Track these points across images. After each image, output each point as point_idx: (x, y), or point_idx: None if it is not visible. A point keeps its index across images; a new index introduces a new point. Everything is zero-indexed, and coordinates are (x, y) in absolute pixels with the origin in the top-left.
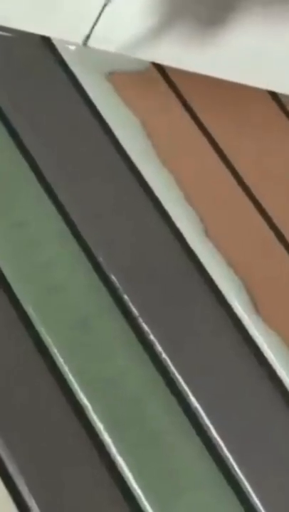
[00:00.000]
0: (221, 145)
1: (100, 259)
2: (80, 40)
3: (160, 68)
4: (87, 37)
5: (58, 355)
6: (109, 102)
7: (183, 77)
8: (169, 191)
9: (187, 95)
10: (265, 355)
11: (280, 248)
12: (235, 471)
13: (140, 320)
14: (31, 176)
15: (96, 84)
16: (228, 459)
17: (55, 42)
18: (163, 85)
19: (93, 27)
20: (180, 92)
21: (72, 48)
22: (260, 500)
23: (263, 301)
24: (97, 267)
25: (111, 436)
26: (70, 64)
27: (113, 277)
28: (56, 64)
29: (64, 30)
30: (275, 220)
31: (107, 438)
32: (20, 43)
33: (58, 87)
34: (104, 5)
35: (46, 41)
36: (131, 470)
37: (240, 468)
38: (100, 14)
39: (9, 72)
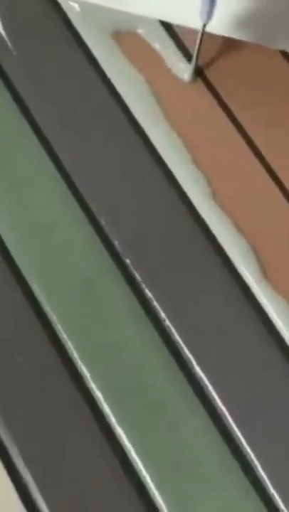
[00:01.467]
0: (232, 107)
1: (103, 222)
2: None
3: (167, 26)
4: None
5: (57, 321)
6: (113, 61)
7: (190, 34)
8: (176, 153)
9: (192, 50)
10: (274, 322)
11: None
12: (241, 443)
13: (143, 285)
14: (33, 136)
15: (101, 43)
16: (234, 431)
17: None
18: (170, 43)
19: (196, 60)
20: (187, 50)
21: (77, 6)
22: (266, 472)
23: (272, 266)
24: (99, 230)
25: (110, 406)
26: (75, 23)
27: (116, 241)
28: (60, 22)
29: None
30: (287, 185)
31: (106, 408)
32: (25, 0)
33: (62, 46)
34: (204, 26)
35: None
36: (131, 442)
37: (246, 441)
38: (200, 41)
39: (12, 29)
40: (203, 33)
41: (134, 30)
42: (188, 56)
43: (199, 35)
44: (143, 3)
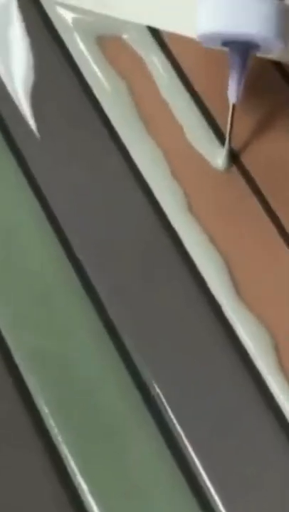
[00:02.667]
0: (214, 114)
1: (67, 231)
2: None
3: (154, 32)
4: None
5: (8, 328)
6: (95, 65)
7: (174, 40)
8: (154, 164)
9: (179, 57)
10: (242, 341)
11: (271, 229)
12: (196, 468)
13: (106, 300)
14: (4, 146)
15: (83, 47)
16: (191, 456)
17: (42, 0)
18: (153, 49)
19: (229, 135)
20: (172, 56)
21: (60, 8)
22: (219, 495)
23: (245, 283)
24: (64, 241)
25: (57, 423)
26: (57, 25)
27: (80, 253)
28: (41, 23)
29: None
30: (269, 200)
31: (52, 424)
32: (6, 1)
33: (44, 46)
34: (234, 107)
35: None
36: (76, 463)
37: (202, 467)
38: (231, 119)
39: None
40: (234, 113)
41: (119, 35)
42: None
43: (229, 118)
44: (130, 8)
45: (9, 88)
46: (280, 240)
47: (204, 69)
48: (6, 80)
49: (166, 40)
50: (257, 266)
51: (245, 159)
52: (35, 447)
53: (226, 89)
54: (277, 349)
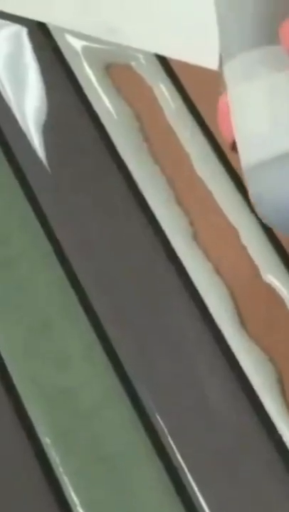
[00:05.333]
0: (220, 142)
1: (72, 260)
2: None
3: (161, 59)
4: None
5: (8, 359)
6: (103, 93)
7: (183, 69)
8: (158, 191)
9: (187, 87)
10: (246, 372)
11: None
12: (197, 500)
13: (109, 329)
14: (5, 164)
15: (91, 74)
16: (191, 486)
17: (51, 28)
18: (161, 78)
19: None
20: (180, 85)
21: (69, 35)
22: None
23: (249, 313)
24: (68, 269)
25: (59, 456)
26: (66, 52)
27: (83, 281)
28: (50, 51)
29: (62, 16)
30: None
31: (53, 454)
32: (16, 29)
33: (51, 75)
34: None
35: (42, 28)
36: (77, 494)
37: (203, 499)
38: None
39: (2, 57)
40: None
41: (127, 63)
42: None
43: None
44: (139, 36)
45: (17, 114)
46: (284, 269)
47: (212, 98)
48: (14, 107)
49: (174, 68)
50: (262, 296)
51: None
52: (36, 478)
53: None
54: (281, 381)
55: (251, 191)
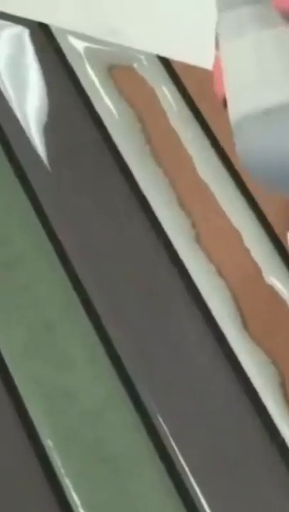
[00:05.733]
0: (222, 143)
1: (73, 261)
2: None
3: (163, 61)
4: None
5: (10, 361)
6: (104, 93)
7: (185, 70)
8: (161, 193)
9: (189, 88)
10: (247, 372)
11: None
12: (199, 502)
13: (111, 330)
14: (7, 164)
15: (93, 76)
16: (194, 489)
17: (53, 29)
18: (164, 79)
19: None
20: (182, 86)
21: (72, 37)
22: None
23: (252, 316)
24: (70, 270)
25: (60, 457)
26: (68, 54)
27: (85, 283)
28: (52, 52)
29: (65, 18)
30: (277, 231)
31: (55, 456)
32: (18, 30)
33: (53, 76)
34: None
35: (45, 29)
36: (79, 496)
37: (205, 501)
38: None
39: (4, 58)
40: None
41: (130, 65)
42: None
43: None
44: (141, 38)
45: (19, 115)
46: (287, 272)
47: (214, 99)
48: (16, 108)
49: (177, 69)
50: (264, 298)
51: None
52: (38, 480)
53: None
54: (283, 383)
55: (237, 144)
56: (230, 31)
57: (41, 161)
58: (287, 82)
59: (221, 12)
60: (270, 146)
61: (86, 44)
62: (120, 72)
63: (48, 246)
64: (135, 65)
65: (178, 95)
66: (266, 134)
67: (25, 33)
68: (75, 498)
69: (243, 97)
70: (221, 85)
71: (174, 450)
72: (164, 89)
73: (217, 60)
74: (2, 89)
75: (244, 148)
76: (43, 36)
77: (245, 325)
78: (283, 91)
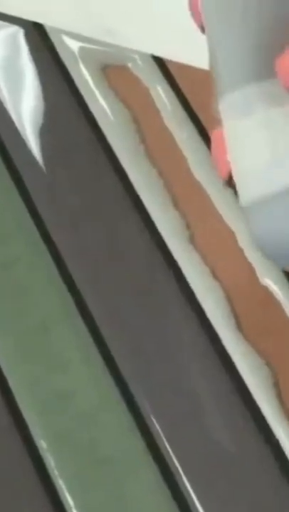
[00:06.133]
0: None
1: (68, 262)
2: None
3: (158, 60)
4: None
5: (5, 362)
6: (99, 93)
7: (180, 70)
8: (155, 193)
9: (184, 88)
10: (240, 372)
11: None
12: (193, 505)
13: (105, 331)
14: (1, 164)
15: (88, 76)
16: (188, 491)
17: (48, 29)
18: (158, 79)
19: None
20: (177, 86)
21: (66, 36)
22: None
23: (246, 317)
24: (64, 272)
25: (54, 459)
26: (62, 53)
27: (80, 284)
28: (47, 52)
29: (59, 17)
30: None
31: (49, 457)
32: (13, 29)
33: (47, 76)
34: None
35: (39, 28)
36: (73, 497)
37: (200, 504)
38: None
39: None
40: None
41: (124, 64)
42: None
43: None
44: (136, 37)
45: (13, 115)
46: (281, 273)
47: (208, 99)
48: (10, 108)
49: (171, 69)
50: (258, 300)
51: None
52: (31, 481)
53: None
54: (277, 385)
55: (251, 227)
56: (237, 110)
57: (35, 161)
58: None
59: (224, 92)
60: (285, 228)
61: (80, 44)
62: (115, 72)
63: (43, 247)
64: (130, 65)
65: (172, 95)
66: (282, 217)
67: (19, 32)
68: (68, 499)
69: (254, 180)
70: (224, 164)
71: (167, 451)
72: (159, 89)
73: (217, 138)
74: None
75: (259, 232)
76: (38, 36)
77: (239, 326)
78: None
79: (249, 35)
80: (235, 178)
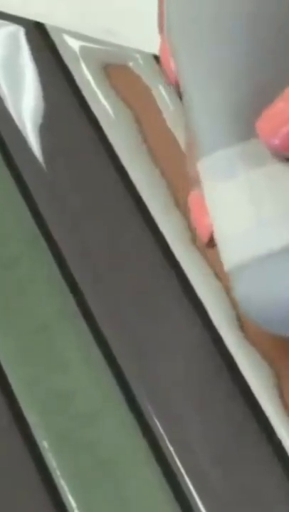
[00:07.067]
0: None
1: (70, 262)
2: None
3: (159, 59)
4: None
5: (6, 363)
6: (100, 93)
7: None
8: (157, 194)
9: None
10: (245, 376)
11: None
12: (196, 505)
13: (107, 332)
14: (2, 164)
15: (89, 75)
16: (191, 492)
17: (48, 28)
18: (160, 78)
19: None
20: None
21: (67, 36)
22: None
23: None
24: (66, 272)
25: (55, 458)
26: (63, 53)
27: (81, 284)
28: (48, 51)
29: (60, 16)
30: None
31: (51, 459)
32: (14, 29)
33: (48, 75)
34: None
35: (40, 28)
36: (75, 498)
37: (202, 503)
38: None
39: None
40: None
41: (125, 64)
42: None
43: None
44: (137, 36)
45: (14, 115)
46: None
47: None
48: (11, 107)
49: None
50: None
51: None
52: (33, 482)
53: None
54: (279, 385)
55: (235, 291)
56: (219, 172)
57: (37, 161)
58: (284, 225)
59: (205, 153)
60: (270, 292)
61: (82, 43)
62: (116, 71)
63: (44, 247)
64: (131, 64)
65: (174, 94)
66: (266, 281)
67: (20, 31)
68: (70, 499)
69: (237, 243)
70: (205, 227)
71: (170, 452)
72: (160, 88)
73: (195, 200)
74: None
75: (243, 295)
76: (39, 35)
77: (242, 326)
78: (281, 235)
79: (230, 97)
80: (217, 242)
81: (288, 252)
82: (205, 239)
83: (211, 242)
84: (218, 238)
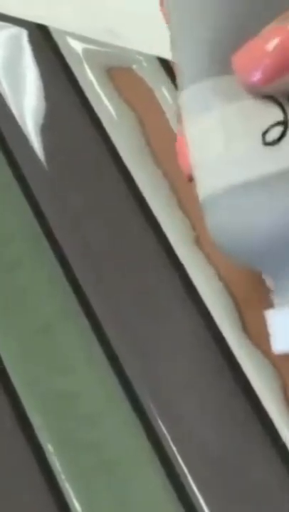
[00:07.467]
0: None
1: (72, 264)
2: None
3: (163, 62)
4: None
5: (10, 364)
6: (104, 95)
7: None
8: (160, 195)
9: None
10: (249, 378)
11: None
12: (200, 508)
13: (110, 333)
14: (5, 165)
15: (92, 77)
16: (195, 494)
17: (52, 31)
18: (163, 80)
19: None
20: None
21: (70, 38)
22: None
23: (252, 319)
24: (69, 273)
25: (60, 461)
26: (67, 55)
27: (84, 285)
28: (51, 53)
29: (63, 19)
30: None
31: (55, 461)
32: (17, 31)
33: (52, 77)
34: None
35: (43, 30)
36: (79, 500)
37: (206, 505)
38: None
39: (2, 59)
40: None
41: (129, 66)
42: None
43: None
44: (140, 38)
45: (17, 118)
46: None
47: None
48: (14, 110)
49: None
50: (264, 301)
51: None
52: (37, 484)
53: None
54: (283, 386)
55: (206, 220)
56: (195, 106)
57: (40, 163)
58: (253, 158)
59: (184, 88)
60: (240, 223)
61: (85, 45)
62: (119, 73)
63: (46, 246)
64: (134, 67)
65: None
66: (235, 211)
67: (23, 34)
68: (74, 502)
69: (210, 175)
70: (186, 160)
71: (173, 453)
72: (164, 90)
73: (180, 134)
74: (0, 91)
75: (214, 224)
76: (42, 37)
77: (245, 327)
78: (250, 167)
79: (208, 30)
80: (193, 173)
81: (257, 184)
82: (186, 170)
83: (192, 177)
84: (193, 170)
